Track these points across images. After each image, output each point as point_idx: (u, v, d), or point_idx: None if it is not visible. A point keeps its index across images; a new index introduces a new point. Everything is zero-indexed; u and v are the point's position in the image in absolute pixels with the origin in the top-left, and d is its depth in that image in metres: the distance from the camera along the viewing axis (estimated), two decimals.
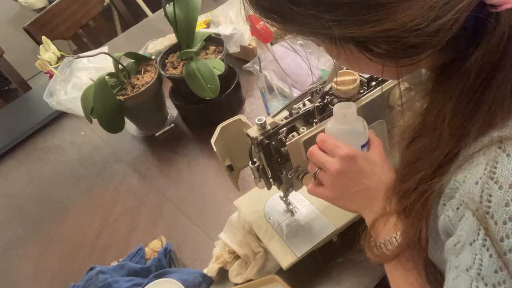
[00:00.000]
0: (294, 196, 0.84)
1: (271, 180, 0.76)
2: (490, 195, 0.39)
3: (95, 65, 1.32)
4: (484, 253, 0.39)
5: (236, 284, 0.82)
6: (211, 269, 0.84)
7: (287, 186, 0.75)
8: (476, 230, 0.40)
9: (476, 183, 0.41)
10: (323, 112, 0.71)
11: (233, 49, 1.24)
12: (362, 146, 0.63)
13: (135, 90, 1.10)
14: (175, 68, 1.13)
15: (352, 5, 0.38)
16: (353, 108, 0.61)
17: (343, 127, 0.62)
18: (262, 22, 0.91)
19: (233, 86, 1.15)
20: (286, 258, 0.77)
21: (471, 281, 0.40)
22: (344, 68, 0.74)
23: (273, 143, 0.69)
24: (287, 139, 0.68)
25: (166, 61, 1.16)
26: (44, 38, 0.96)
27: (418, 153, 0.48)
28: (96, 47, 1.69)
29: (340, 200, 0.63)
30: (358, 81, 0.69)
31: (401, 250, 0.54)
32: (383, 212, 0.58)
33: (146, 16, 2.53)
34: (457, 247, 0.42)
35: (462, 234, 0.42)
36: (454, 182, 0.44)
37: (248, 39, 1.26)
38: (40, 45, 0.96)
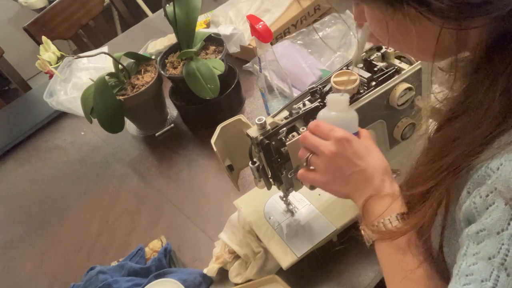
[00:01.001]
0: (294, 196, 0.84)
1: (271, 180, 0.76)
2: None
3: (95, 65, 1.32)
4: None
5: (236, 284, 0.82)
6: (211, 269, 0.84)
7: (287, 186, 0.75)
8: (507, 220, 0.39)
9: None
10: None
11: (233, 49, 1.24)
12: (353, 135, 0.64)
13: (135, 90, 1.10)
14: (175, 68, 1.13)
15: None
16: (346, 97, 0.62)
17: (337, 114, 0.62)
18: (262, 22, 0.91)
19: (233, 86, 1.15)
20: (286, 258, 0.77)
21: (492, 269, 0.39)
22: (344, 68, 0.74)
23: (273, 143, 0.69)
24: (287, 139, 0.68)
25: (166, 61, 1.16)
26: (44, 38, 0.96)
27: (457, 132, 0.46)
28: (96, 47, 1.69)
29: (332, 184, 0.62)
30: (358, 81, 0.69)
31: (410, 228, 0.53)
32: (377, 192, 0.58)
33: (146, 16, 2.53)
34: (480, 235, 0.41)
35: (489, 222, 0.40)
36: (486, 169, 0.42)
37: (248, 39, 1.26)
38: (40, 45, 0.96)
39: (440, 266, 0.53)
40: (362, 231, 0.60)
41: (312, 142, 0.62)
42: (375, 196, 0.58)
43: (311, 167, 0.64)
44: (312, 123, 0.63)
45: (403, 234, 0.54)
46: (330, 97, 0.63)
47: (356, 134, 0.64)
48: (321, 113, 0.64)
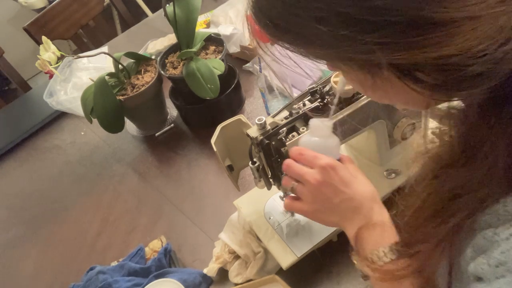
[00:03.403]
0: None
1: (271, 180, 0.76)
2: None
3: (95, 65, 1.32)
4: None
5: (236, 284, 0.82)
6: (211, 269, 0.84)
7: None
8: None
9: None
10: (323, 112, 0.71)
11: (233, 49, 1.24)
12: None
13: (135, 90, 1.10)
14: (175, 68, 1.13)
15: (402, 23, 0.32)
16: (330, 122, 0.60)
17: (319, 140, 0.61)
18: None
19: (233, 86, 1.15)
20: (286, 258, 0.77)
21: None
22: None
23: (273, 143, 0.69)
24: (287, 139, 0.69)
25: (166, 61, 1.16)
26: (44, 38, 0.96)
27: (457, 189, 0.42)
28: (96, 47, 1.69)
29: (320, 213, 0.60)
30: None
31: (412, 273, 0.50)
32: (367, 222, 0.57)
33: (146, 16, 2.53)
34: None
35: None
36: (493, 235, 0.39)
37: (248, 39, 1.26)
38: (40, 45, 0.96)
39: None
40: (355, 262, 0.58)
41: (297, 170, 0.60)
42: (366, 227, 0.57)
43: (295, 195, 0.62)
44: (295, 150, 0.61)
45: (405, 277, 0.51)
46: (313, 123, 0.61)
47: (339, 160, 0.63)
48: (304, 138, 0.63)
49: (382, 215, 0.58)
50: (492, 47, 0.32)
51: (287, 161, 0.61)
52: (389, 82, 0.38)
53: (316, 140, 0.61)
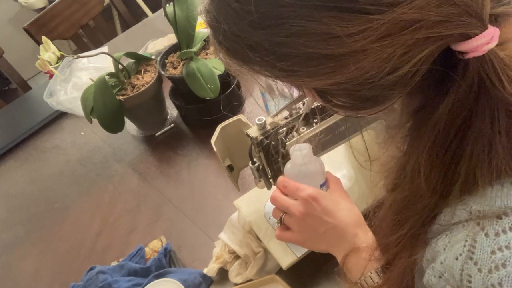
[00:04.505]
0: None
1: (271, 180, 0.76)
2: (470, 276, 0.39)
3: (95, 65, 1.32)
4: None
5: (236, 284, 0.82)
6: (211, 269, 0.84)
7: None
8: None
9: (456, 259, 0.40)
10: (323, 112, 0.71)
11: None
12: (321, 185, 0.65)
13: (135, 90, 1.10)
14: (175, 68, 1.13)
15: (302, 56, 0.37)
16: (309, 149, 0.62)
17: (302, 168, 0.63)
18: None
19: (233, 86, 1.15)
20: (286, 258, 0.77)
21: None
22: None
23: (273, 143, 0.69)
24: (287, 139, 0.69)
25: (166, 61, 1.16)
26: (44, 38, 0.96)
27: (405, 201, 0.46)
28: (96, 47, 1.69)
29: (309, 242, 0.64)
30: None
31: (393, 284, 0.53)
32: (352, 248, 0.59)
33: (146, 16, 2.53)
34: None
35: None
36: (435, 245, 0.43)
37: None
38: (40, 45, 0.96)
39: None
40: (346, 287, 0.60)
41: (282, 203, 0.63)
42: (351, 253, 0.59)
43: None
44: (280, 182, 0.64)
45: None
46: (292, 151, 0.63)
47: (324, 183, 0.65)
48: (288, 166, 0.66)
49: (367, 239, 0.60)
50: (379, 76, 0.36)
51: (274, 194, 0.65)
52: (314, 96, 0.44)
53: (298, 168, 0.63)
